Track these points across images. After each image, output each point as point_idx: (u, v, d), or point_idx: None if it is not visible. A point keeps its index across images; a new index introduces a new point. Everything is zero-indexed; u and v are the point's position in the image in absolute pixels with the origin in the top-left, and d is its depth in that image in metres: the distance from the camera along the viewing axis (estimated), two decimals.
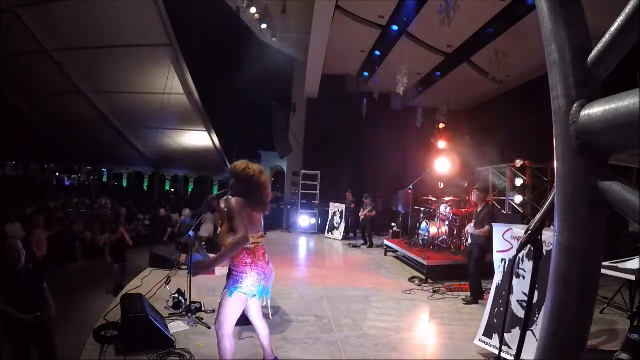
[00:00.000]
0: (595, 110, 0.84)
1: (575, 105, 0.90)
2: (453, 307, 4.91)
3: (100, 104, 14.22)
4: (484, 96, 11.44)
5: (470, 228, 5.40)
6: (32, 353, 3.47)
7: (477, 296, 5.00)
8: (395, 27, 8.66)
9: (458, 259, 6.43)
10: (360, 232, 10.37)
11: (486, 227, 4.91)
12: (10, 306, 3.24)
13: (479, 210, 5.27)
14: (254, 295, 2.61)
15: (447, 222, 7.41)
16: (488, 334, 3.43)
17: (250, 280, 2.57)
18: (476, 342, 3.50)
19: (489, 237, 4.85)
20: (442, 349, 3.82)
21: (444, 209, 7.51)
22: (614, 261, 4.17)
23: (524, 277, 3.09)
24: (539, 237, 1.39)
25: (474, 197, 5.33)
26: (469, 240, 5.51)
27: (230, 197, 2.63)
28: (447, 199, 7.69)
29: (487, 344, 3.40)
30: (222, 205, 3.82)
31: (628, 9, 0.79)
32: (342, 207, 10.74)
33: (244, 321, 3.86)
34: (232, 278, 2.59)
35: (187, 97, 13.39)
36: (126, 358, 3.09)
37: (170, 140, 16.41)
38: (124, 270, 6.76)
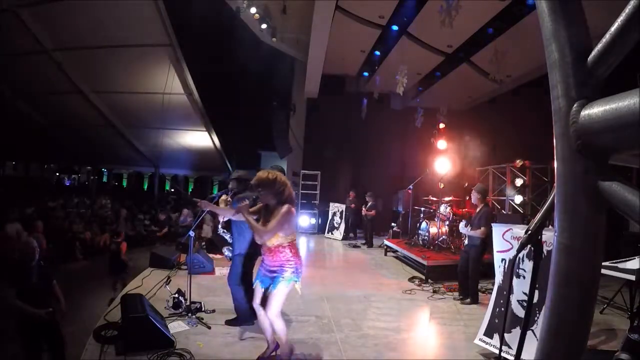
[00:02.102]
0: (595, 110, 0.84)
1: (575, 105, 0.90)
2: (453, 307, 4.91)
3: (100, 104, 14.22)
4: (484, 96, 11.43)
5: (462, 228, 5.40)
6: (42, 348, 3.53)
7: (475, 297, 4.99)
8: (395, 27, 8.66)
9: (458, 259, 6.43)
10: (363, 231, 10.30)
11: (481, 229, 4.89)
12: (23, 302, 3.35)
13: (477, 211, 5.25)
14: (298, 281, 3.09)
15: (447, 222, 7.41)
16: (489, 333, 3.43)
17: (298, 270, 3.05)
18: (477, 341, 3.50)
19: (484, 239, 4.85)
20: (442, 349, 3.82)
21: (444, 209, 7.51)
22: (614, 261, 4.17)
23: (524, 277, 3.09)
24: (539, 237, 1.39)
25: (472, 198, 5.31)
26: (466, 241, 5.50)
27: (245, 201, 3.07)
28: (447, 199, 7.69)
29: (487, 343, 3.41)
30: (222, 206, 3.89)
31: (628, 9, 0.79)
32: (342, 207, 10.73)
33: (245, 320, 3.90)
34: (284, 270, 2.98)
35: (187, 97, 13.40)
36: (126, 358, 3.09)
37: (170, 140, 16.41)
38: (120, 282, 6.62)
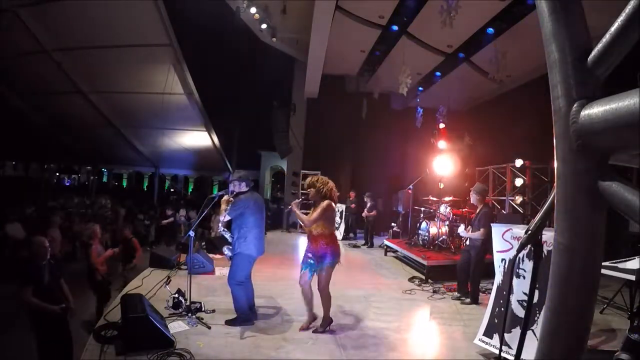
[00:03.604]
0: (596, 110, 0.84)
1: (575, 105, 0.90)
2: (453, 307, 4.90)
3: (100, 104, 14.20)
4: (484, 96, 11.44)
5: (461, 231, 5.39)
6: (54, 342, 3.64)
7: (475, 297, 4.99)
8: (395, 27, 8.66)
9: (458, 259, 6.43)
10: (364, 232, 10.31)
11: (481, 230, 4.88)
12: (38, 299, 3.48)
13: (477, 212, 5.23)
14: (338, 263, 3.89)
15: (447, 222, 7.41)
16: (489, 333, 3.43)
17: (337, 254, 3.87)
18: (476, 341, 3.50)
19: (485, 239, 4.84)
20: (442, 349, 3.82)
21: (444, 209, 7.50)
22: (614, 261, 4.17)
23: (524, 277, 3.09)
24: (539, 237, 1.39)
25: (472, 199, 5.28)
26: (467, 242, 5.50)
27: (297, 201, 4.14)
28: (447, 199, 7.69)
29: (487, 343, 3.40)
30: (223, 206, 3.92)
31: (628, 9, 0.79)
32: (342, 207, 10.72)
33: (245, 320, 3.90)
34: (327, 256, 3.81)
35: (187, 97, 13.38)
36: (126, 358, 3.09)
37: (170, 140, 16.40)
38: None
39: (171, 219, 11.65)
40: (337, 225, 10.76)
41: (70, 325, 3.79)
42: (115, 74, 12.61)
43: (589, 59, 0.89)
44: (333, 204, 3.96)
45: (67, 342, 3.73)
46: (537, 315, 2.89)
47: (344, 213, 10.68)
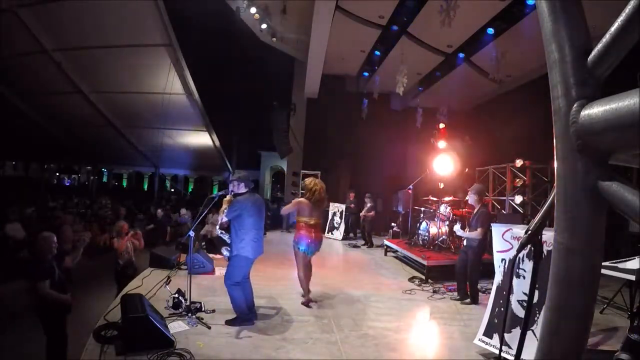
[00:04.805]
0: (596, 110, 0.84)
1: (575, 105, 0.90)
2: (453, 307, 4.90)
3: (100, 104, 14.23)
4: (484, 96, 11.43)
5: (458, 230, 5.40)
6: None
7: (475, 297, 4.99)
8: (395, 27, 8.66)
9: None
10: (361, 232, 10.38)
11: (478, 230, 4.88)
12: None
13: (475, 212, 5.22)
14: (304, 251, 4.57)
15: (447, 222, 7.40)
16: (488, 333, 3.42)
17: (300, 241, 4.57)
18: (476, 341, 3.50)
19: (482, 240, 4.84)
20: (442, 349, 3.81)
21: (444, 209, 7.50)
22: (614, 261, 4.17)
23: (524, 277, 3.09)
24: (539, 237, 1.39)
25: (470, 199, 5.27)
26: (464, 243, 5.49)
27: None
28: (447, 199, 7.69)
29: (487, 343, 3.40)
30: (224, 206, 3.93)
31: (628, 9, 0.79)
32: (342, 207, 10.73)
33: (244, 320, 3.90)
34: (294, 241, 4.62)
35: (187, 97, 13.41)
36: (126, 358, 3.08)
37: (170, 140, 16.42)
38: None
39: (170, 230, 11.60)
40: (336, 225, 10.85)
41: (67, 327, 3.84)
42: (115, 74, 12.64)
43: (589, 59, 0.89)
44: (302, 200, 4.70)
45: (63, 329, 3.82)
46: (537, 315, 2.89)
47: (343, 213, 10.69)
